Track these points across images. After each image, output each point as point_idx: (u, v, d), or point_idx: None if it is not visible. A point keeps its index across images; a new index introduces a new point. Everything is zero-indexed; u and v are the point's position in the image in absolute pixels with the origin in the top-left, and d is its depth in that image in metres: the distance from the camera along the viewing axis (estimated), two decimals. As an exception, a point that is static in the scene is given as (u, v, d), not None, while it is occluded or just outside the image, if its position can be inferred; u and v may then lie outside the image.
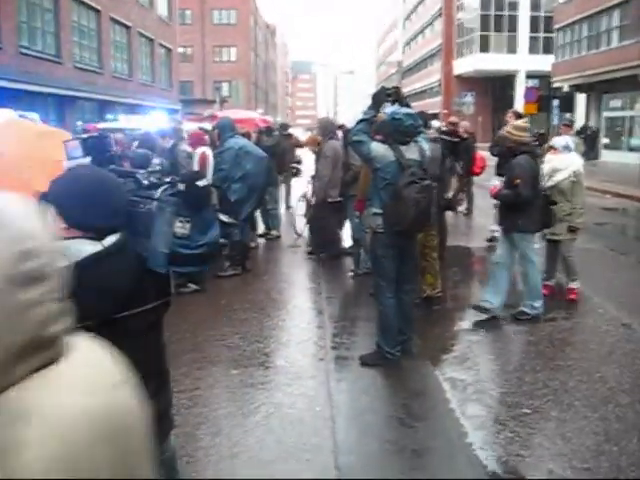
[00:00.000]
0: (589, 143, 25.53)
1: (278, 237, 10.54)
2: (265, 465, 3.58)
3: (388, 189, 4.77)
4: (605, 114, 30.63)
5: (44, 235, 0.91)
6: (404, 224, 4.72)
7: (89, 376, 0.95)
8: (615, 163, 26.19)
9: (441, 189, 6.29)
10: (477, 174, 11.52)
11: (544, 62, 36.88)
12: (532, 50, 43.54)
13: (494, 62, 43.31)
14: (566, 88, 32.67)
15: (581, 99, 32.82)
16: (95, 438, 0.88)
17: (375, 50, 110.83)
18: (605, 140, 30.37)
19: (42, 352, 0.90)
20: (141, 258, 1.76)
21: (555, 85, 33.69)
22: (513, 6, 43.98)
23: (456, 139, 10.76)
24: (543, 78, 35.85)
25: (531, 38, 43.99)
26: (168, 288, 1.93)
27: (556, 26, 34.65)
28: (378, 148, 4.84)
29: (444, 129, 10.91)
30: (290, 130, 13.85)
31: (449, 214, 9.61)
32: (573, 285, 6.84)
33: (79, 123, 18.79)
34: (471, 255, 9.61)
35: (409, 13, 68.62)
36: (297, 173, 12.68)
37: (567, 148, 6.72)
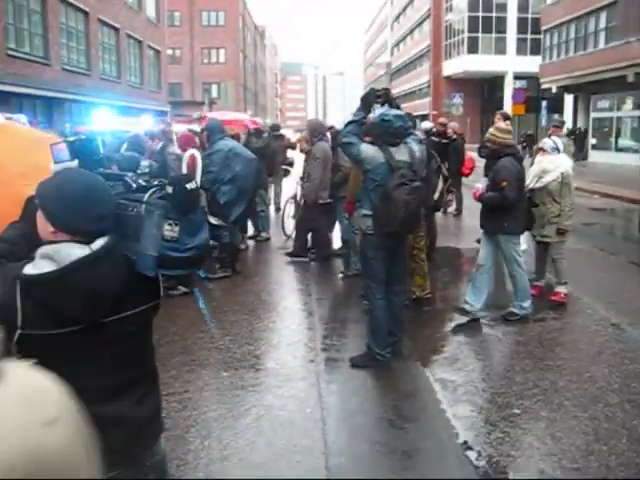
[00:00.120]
0: (578, 144, 25.71)
1: (268, 239, 10.53)
2: (256, 467, 3.58)
3: (378, 190, 4.78)
4: (593, 115, 30.85)
5: None
6: (394, 225, 4.72)
7: (19, 414, 0.91)
8: (604, 164, 26.38)
9: (427, 190, 6.30)
10: (466, 175, 11.58)
11: (532, 63, 37.08)
12: (520, 51, 43.76)
13: (483, 63, 43.54)
14: (554, 89, 32.86)
15: (569, 100, 33.03)
16: None
17: (364, 51, 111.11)
18: (593, 141, 30.58)
19: None
20: (130, 261, 1.75)
21: (543, 86, 33.89)
22: (501, 8, 44.22)
23: (445, 140, 10.87)
24: (531, 79, 36.02)
25: (519, 39, 44.21)
26: (157, 291, 1.93)
27: (544, 27, 34.85)
28: (368, 150, 4.84)
29: (435, 130, 10.99)
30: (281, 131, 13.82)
31: (438, 215, 9.66)
32: (561, 289, 6.76)
33: (68, 125, 18.67)
34: (461, 256, 9.63)
35: (398, 15, 68.82)
36: (286, 174, 12.70)
37: (556, 149, 6.74)
